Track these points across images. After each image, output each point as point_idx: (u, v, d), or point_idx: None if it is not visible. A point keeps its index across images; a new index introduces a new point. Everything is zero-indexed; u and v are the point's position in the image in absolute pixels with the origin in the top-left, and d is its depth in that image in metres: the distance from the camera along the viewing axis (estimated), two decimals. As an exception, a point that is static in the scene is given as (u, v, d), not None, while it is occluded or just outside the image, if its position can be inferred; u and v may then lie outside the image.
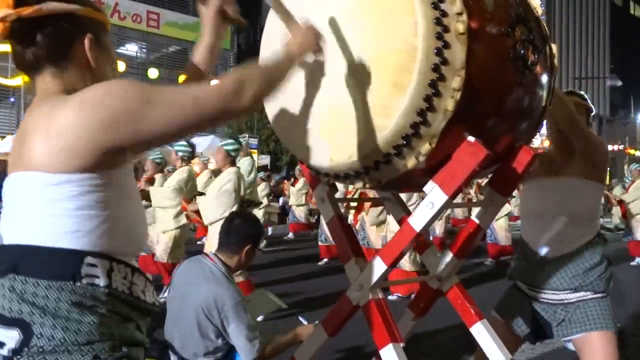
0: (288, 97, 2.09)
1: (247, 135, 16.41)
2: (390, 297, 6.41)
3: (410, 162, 1.92)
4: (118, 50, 28.43)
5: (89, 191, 1.11)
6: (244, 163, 7.47)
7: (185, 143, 6.78)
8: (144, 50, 29.83)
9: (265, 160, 17.37)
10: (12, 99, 23.77)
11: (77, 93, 1.17)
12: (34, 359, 1.05)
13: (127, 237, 1.20)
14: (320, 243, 8.66)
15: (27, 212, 1.12)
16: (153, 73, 17.80)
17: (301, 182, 12.87)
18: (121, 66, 17.16)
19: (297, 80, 2.02)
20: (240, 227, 3.11)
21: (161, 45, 28.63)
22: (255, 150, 16.80)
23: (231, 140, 5.91)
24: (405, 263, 6.28)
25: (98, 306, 1.10)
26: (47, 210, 1.10)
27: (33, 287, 1.07)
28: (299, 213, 13.49)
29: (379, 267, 2.05)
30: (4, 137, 19.67)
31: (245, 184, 5.97)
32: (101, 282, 1.11)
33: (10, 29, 1.17)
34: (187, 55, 30.45)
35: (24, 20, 1.16)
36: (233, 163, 5.73)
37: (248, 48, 32.82)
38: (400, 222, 2.54)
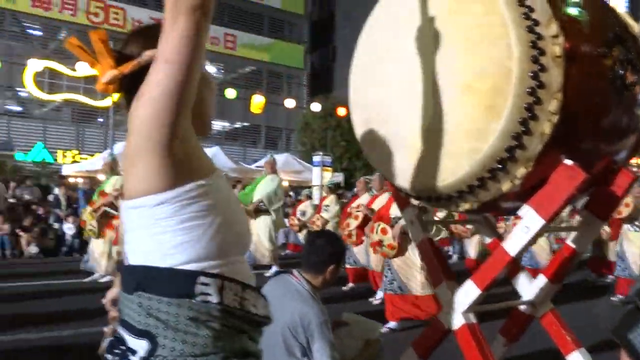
0: (380, 120, 2.12)
1: (321, 153, 16.54)
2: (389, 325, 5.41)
3: (506, 186, 1.90)
4: (197, 72, 29.45)
5: (189, 203, 1.21)
6: (270, 180, 7.75)
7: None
8: (221, 71, 30.88)
9: (339, 177, 17.44)
10: (100, 119, 25.22)
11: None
12: None
13: (231, 238, 1.29)
14: (348, 266, 8.21)
15: (144, 233, 1.24)
16: (231, 93, 18.34)
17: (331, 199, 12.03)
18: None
19: (389, 104, 2.05)
20: (323, 247, 3.14)
21: (237, 65, 29.54)
22: (330, 168, 16.89)
23: None
24: (415, 286, 5.44)
25: (212, 321, 1.21)
26: (159, 230, 1.21)
27: (157, 303, 1.19)
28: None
29: (472, 291, 2.03)
30: (92, 155, 20.86)
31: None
32: (214, 299, 1.21)
33: (118, 86, 1.29)
34: (262, 75, 31.40)
35: (128, 75, 1.27)
36: None
37: (321, 67, 33.30)
38: (492, 245, 2.50)
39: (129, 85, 1.29)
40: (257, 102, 17.46)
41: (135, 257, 1.27)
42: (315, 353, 2.89)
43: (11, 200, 13.34)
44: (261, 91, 23.28)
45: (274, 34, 30.18)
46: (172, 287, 1.20)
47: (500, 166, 1.88)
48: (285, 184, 15.25)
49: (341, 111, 20.63)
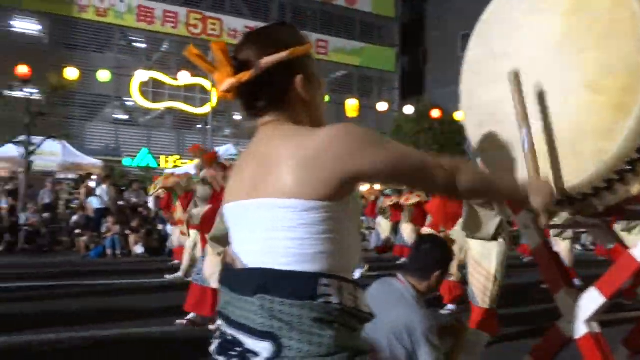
0: (495, 121, 2.06)
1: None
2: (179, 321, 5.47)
3: (635, 188, 1.79)
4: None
5: (330, 217, 1.23)
6: None
7: None
8: (313, 76, 31.33)
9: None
10: (199, 126, 26.38)
11: (322, 129, 1.29)
12: None
13: (352, 255, 1.33)
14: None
15: (275, 235, 1.23)
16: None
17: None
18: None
19: (504, 104, 2.00)
20: (429, 252, 3.09)
21: (329, 70, 29.89)
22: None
23: None
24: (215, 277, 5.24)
25: (333, 321, 1.22)
26: (297, 234, 1.22)
27: (280, 305, 1.20)
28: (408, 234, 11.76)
29: (596, 299, 1.93)
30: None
31: None
32: (334, 299, 1.22)
33: (236, 92, 1.35)
34: (353, 79, 31.53)
35: (245, 82, 1.32)
36: None
37: (412, 70, 32.94)
38: (614, 251, 2.36)
39: (246, 91, 1.35)
40: (352, 105, 17.56)
41: (252, 258, 1.29)
42: (420, 358, 2.86)
43: (120, 203, 14.25)
44: (353, 95, 23.41)
45: (365, 38, 30.23)
46: (294, 289, 1.21)
47: (629, 167, 1.77)
48: (377, 187, 15.21)
49: (434, 113, 20.29)
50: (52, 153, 16.01)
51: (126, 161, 23.06)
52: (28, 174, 13.40)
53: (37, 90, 14.29)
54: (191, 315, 5.41)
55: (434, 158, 1.33)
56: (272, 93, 1.35)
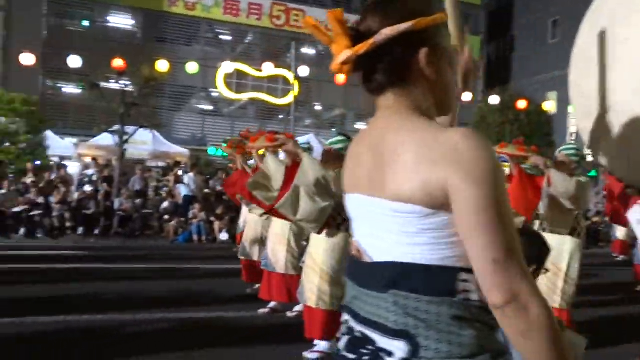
0: (608, 110, 1.93)
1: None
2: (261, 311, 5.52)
3: None
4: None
5: (447, 225, 1.10)
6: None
7: None
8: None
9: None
10: (281, 116, 26.81)
11: (453, 134, 1.12)
12: None
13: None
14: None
15: (397, 239, 1.15)
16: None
17: None
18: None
19: (614, 91, 1.86)
20: (523, 247, 2.98)
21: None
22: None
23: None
24: (280, 263, 5.36)
25: (473, 319, 1.12)
26: (421, 240, 1.12)
27: (415, 302, 1.11)
28: None
29: None
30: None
31: None
32: (474, 296, 1.12)
33: (353, 66, 1.23)
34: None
35: (363, 54, 1.20)
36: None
37: (497, 58, 31.84)
38: None
39: (364, 64, 1.24)
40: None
41: (379, 253, 1.19)
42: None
43: (206, 191, 14.73)
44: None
45: (449, 27, 29.54)
46: (432, 284, 1.12)
47: None
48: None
49: (521, 104, 19.51)
50: (143, 142, 16.83)
51: (211, 150, 23.82)
52: (122, 162, 14.12)
53: (130, 83, 15.00)
54: (273, 304, 5.50)
55: (524, 264, 1.10)
56: (392, 67, 1.22)
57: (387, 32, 1.19)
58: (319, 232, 4.26)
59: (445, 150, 1.08)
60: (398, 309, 1.13)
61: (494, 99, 20.24)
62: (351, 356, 1.20)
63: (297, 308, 5.30)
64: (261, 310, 5.48)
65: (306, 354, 4.13)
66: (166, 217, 13.06)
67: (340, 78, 17.40)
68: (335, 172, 4.09)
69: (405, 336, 1.12)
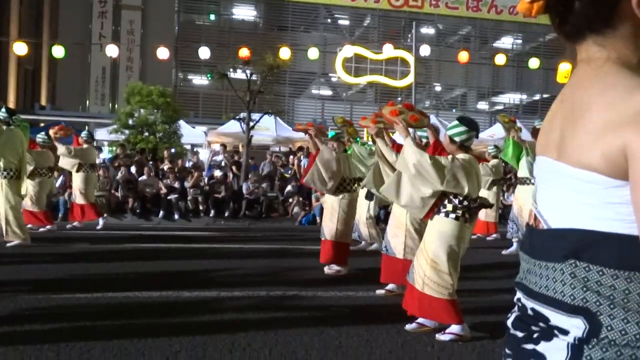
0: None
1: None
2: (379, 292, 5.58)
3: None
4: (495, 45, 28.84)
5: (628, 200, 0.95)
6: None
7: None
8: (519, 41, 29.49)
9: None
10: (399, 98, 26.58)
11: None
12: (605, 350, 0.97)
13: None
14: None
15: (581, 207, 1.02)
16: (534, 63, 17.41)
17: None
18: (501, 59, 17.29)
19: None
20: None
21: (537, 34, 27.83)
22: None
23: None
24: (399, 248, 5.34)
25: None
26: (606, 209, 0.99)
27: (598, 275, 0.98)
28: None
29: None
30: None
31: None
32: None
33: (544, 3, 1.06)
34: (562, 42, 28.69)
35: None
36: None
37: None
38: None
39: (558, 5, 1.06)
40: (564, 70, 16.15)
41: (562, 219, 1.05)
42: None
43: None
44: (565, 59, 21.49)
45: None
46: (619, 255, 0.97)
47: None
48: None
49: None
50: (266, 128, 17.50)
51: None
52: (249, 148, 14.80)
53: (254, 71, 15.63)
54: (390, 286, 5.54)
55: None
56: (594, 8, 1.02)
57: None
58: (425, 218, 4.26)
59: (634, 112, 0.92)
60: (576, 282, 1.01)
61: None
62: (520, 334, 1.11)
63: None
64: (379, 291, 5.54)
65: (439, 336, 4.14)
66: (290, 200, 13.51)
67: (463, 56, 16.85)
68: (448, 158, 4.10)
69: (584, 313, 1.00)
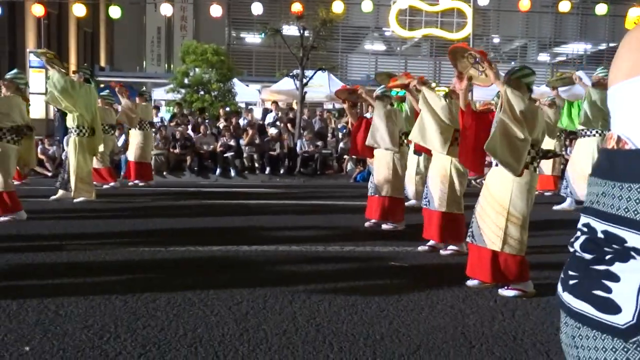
0: None
1: None
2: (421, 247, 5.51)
3: None
4: None
5: None
6: None
7: None
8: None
9: None
10: (456, 52, 25.77)
11: None
12: None
13: None
14: None
15: None
16: (601, 9, 16.45)
17: None
18: (565, 6, 16.39)
19: None
20: None
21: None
22: None
23: None
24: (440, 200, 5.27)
25: None
26: None
27: None
28: None
29: None
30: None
31: None
32: None
33: None
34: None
35: None
36: None
37: None
38: None
39: None
40: (634, 16, 15.16)
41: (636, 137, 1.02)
42: None
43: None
44: (637, 4, 20.20)
45: None
46: None
47: None
48: None
49: None
50: (320, 85, 17.32)
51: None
52: (302, 104, 14.73)
53: (307, 27, 15.40)
54: (432, 242, 5.46)
55: None
56: None
57: None
58: (520, 174, 3.93)
59: None
60: None
61: None
62: (588, 256, 1.08)
63: (453, 247, 5.32)
64: (421, 247, 5.46)
65: (502, 291, 4.06)
66: (345, 157, 13.44)
67: (524, 4, 16.04)
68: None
69: None
